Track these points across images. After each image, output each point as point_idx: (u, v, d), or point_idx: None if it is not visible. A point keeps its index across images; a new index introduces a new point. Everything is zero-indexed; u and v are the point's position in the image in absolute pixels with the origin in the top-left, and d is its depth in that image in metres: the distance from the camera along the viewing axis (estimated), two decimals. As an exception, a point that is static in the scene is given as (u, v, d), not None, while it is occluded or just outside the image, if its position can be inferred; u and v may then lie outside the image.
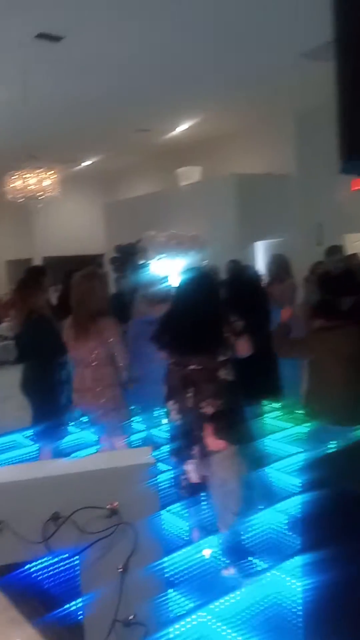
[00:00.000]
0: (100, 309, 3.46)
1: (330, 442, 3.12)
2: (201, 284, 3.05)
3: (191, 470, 2.92)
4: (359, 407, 3.06)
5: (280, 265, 5.57)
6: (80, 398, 3.58)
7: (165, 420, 3.60)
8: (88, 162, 12.20)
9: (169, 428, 3.16)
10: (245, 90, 8.18)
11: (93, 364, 3.48)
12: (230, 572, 2.77)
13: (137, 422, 4.75)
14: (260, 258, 9.57)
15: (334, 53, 1.31)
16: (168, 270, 7.31)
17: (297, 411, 4.76)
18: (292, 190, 9.78)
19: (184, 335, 2.94)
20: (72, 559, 1.61)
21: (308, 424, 3.46)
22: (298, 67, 7.15)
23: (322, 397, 3.16)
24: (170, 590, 2.25)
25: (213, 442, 2.80)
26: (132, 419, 4.14)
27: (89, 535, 1.59)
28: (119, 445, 3.61)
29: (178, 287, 3.15)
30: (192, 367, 2.92)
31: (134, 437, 4.36)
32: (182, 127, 10.02)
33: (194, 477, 2.92)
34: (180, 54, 6.59)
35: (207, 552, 2.95)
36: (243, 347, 2.93)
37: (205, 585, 2.69)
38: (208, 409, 2.87)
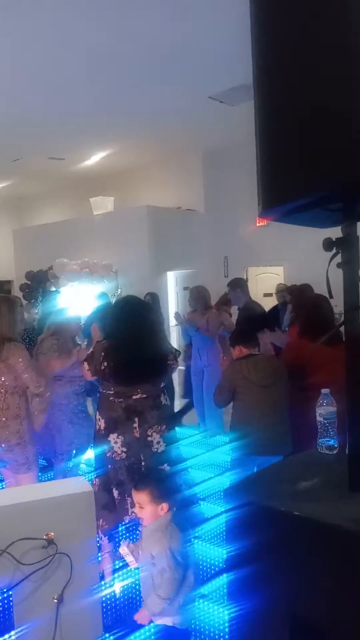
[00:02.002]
0: (7, 334, 3.30)
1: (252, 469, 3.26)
2: (142, 311, 3.02)
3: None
4: (274, 436, 3.21)
5: (202, 297, 5.81)
6: None
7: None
8: (-2, 187, 11.94)
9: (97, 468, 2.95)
10: (157, 126, 8.51)
11: (0, 393, 3.28)
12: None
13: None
14: (171, 288, 9.85)
15: (255, 115, 1.47)
16: (79, 298, 7.28)
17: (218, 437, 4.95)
18: (201, 223, 10.24)
19: (133, 366, 2.85)
20: (4, 592, 1.61)
21: (232, 452, 3.53)
22: (206, 108, 7.61)
23: (241, 426, 3.32)
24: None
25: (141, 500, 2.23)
26: (40, 456, 3.87)
27: (25, 567, 1.60)
28: (25, 483, 3.30)
29: (117, 317, 3.02)
30: (136, 396, 2.88)
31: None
32: (96, 158, 10.16)
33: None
34: (91, 87, 6.76)
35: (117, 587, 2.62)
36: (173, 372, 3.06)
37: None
38: (155, 437, 2.85)
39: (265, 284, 9.86)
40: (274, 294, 7.93)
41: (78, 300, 6.42)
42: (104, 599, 1.99)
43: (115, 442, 2.85)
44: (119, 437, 2.85)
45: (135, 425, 2.85)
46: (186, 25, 5.27)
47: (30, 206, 13.55)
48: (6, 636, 1.66)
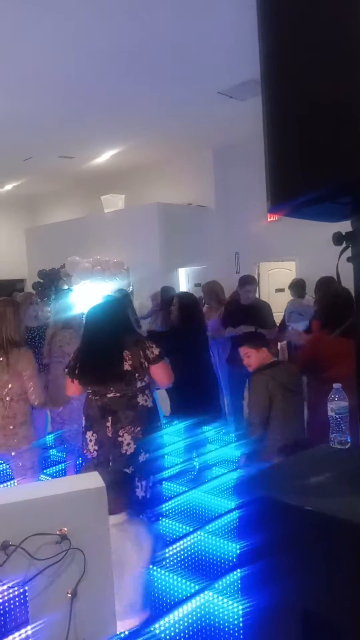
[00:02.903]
0: (14, 338, 3.27)
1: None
2: (108, 311, 3.06)
3: None
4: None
5: (214, 292, 5.79)
6: None
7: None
8: (9, 187, 12.02)
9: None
10: (166, 123, 8.50)
11: (6, 400, 3.24)
12: None
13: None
14: (183, 284, 9.86)
15: (263, 110, 1.47)
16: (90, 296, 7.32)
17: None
18: (212, 220, 10.22)
19: (93, 363, 2.91)
20: (19, 587, 1.63)
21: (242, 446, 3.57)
22: (215, 104, 7.59)
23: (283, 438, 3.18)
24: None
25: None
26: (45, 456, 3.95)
27: (39, 562, 1.62)
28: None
29: (87, 315, 3.15)
30: (110, 395, 2.90)
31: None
32: (106, 156, 10.18)
33: None
34: (100, 85, 6.77)
35: None
36: (160, 374, 2.96)
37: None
38: (125, 438, 2.83)
39: (277, 279, 9.82)
40: (286, 289, 7.85)
41: (90, 298, 6.46)
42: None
43: (90, 440, 2.91)
44: (94, 434, 2.90)
45: (109, 424, 2.87)
46: (193, 21, 5.25)
47: (41, 205, 13.64)
48: (22, 631, 1.68)
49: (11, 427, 3.23)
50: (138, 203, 10.52)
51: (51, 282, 9.53)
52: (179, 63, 6.25)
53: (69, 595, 1.67)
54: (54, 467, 4.53)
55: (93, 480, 1.75)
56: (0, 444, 3.24)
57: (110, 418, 2.87)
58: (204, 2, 4.86)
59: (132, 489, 2.72)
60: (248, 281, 5.49)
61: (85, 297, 6.51)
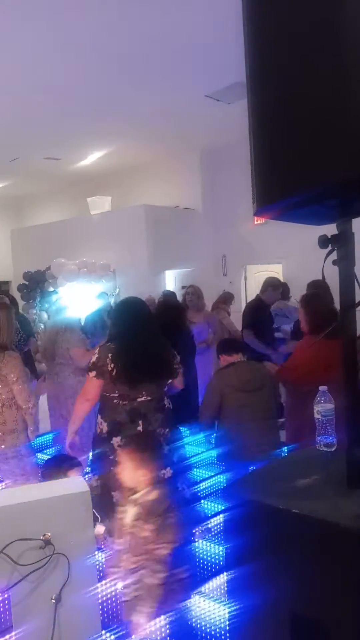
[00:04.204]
0: (4, 342, 3.25)
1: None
2: (146, 312, 3.04)
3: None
4: (263, 442, 3.22)
5: (198, 295, 5.78)
6: None
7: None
8: (-6, 187, 11.94)
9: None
10: (154, 126, 8.50)
11: None
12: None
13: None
14: (170, 287, 9.85)
15: (249, 117, 1.46)
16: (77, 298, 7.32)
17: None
18: (199, 222, 10.23)
19: (140, 366, 2.83)
20: (2, 593, 1.61)
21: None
22: (202, 106, 7.60)
23: (231, 433, 3.32)
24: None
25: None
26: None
27: (22, 568, 1.60)
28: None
29: (122, 319, 3.01)
30: (141, 398, 2.86)
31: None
32: (93, 158, 10.15)
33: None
34: (87, 86, 6.74)
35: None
36: (179, 379, 3.00)
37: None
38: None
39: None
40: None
41: (77, 300, 6.45)
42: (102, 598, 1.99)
43: (119, 446, 2.77)
44: (122, 439, 2.78)
45: (140, 428, 2.82)
46: (181, 24, 5.26)
47: (27, 206, 13.55)
48: (6, 637, 1.65)
49: (0, 433, 3.20)
50: (125, 205, 10.49)
51: (37, 284, 9.47)
52: (167, 66, 6.25)
53: (53, 601, 1.65)
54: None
55: (77, 484, 1.73)
56: None
57: (140, 422, 2.83)
58: (191, 5, 4.87)
59: (174, 490, 2.68)
60: (271, 284, 5.42)
61: (73, 299, 6.53)
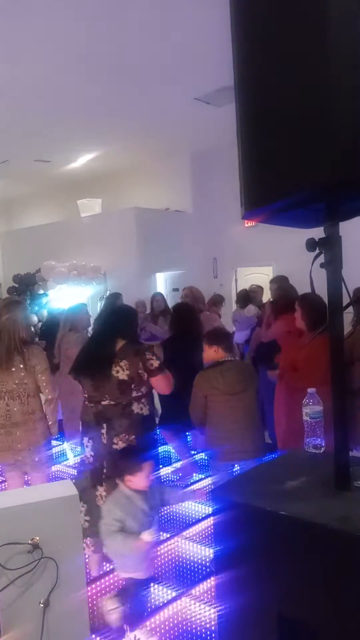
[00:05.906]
0: (25, 337, 3.35)
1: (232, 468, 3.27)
2: (112, 318, 3.10)
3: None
4: (248, 442, 3.21)
5: (194, 298, 5.79)
6: (6, 435, 3.27)
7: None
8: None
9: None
10: (144, 128, 8.49)
11: (24, 397, 3.30)
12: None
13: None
14: (161, 289, 9.85)
15: (237, 119, 1.46)
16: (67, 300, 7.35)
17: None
18: (189, 225, 10.24)
19: (86, 369, 2.94)
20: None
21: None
22: (192, 110, 7.62)
23: (217, 434, 3.31)
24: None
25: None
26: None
27: (10, 572, 1.59)
28: (39, 481, 3.34)
29: (95, 319, 3.21)
30: (104, 402, 2.88)
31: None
32: (83, 160, 10.12)
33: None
34: (77, 89, 6.73)
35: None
36: (159, 386, 2.97)
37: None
38: (120, 445, 2.81)
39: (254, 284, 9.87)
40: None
41: (67, 303, 6.49)
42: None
43: (87, 446, 2.91)
44: (89, 441, 2.90)
45: (103, 431, 2.86)
46: (171, 27, 5.27)
47: (17, 209, 13.49)
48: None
49: (31, 422, 3.30)
50: (115, 207, 10.48)
51: (26, 287, 9.43)
52: (157, 69, 6.26)
53: (42, 605, 1.64)
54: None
55: (65, 488, 1.72)
56: (22, 440, 3.28)
57: (105, 425, 2.86)
58: (182, 8, 4.88)
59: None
60: (279, 282, 5.46)
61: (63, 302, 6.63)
